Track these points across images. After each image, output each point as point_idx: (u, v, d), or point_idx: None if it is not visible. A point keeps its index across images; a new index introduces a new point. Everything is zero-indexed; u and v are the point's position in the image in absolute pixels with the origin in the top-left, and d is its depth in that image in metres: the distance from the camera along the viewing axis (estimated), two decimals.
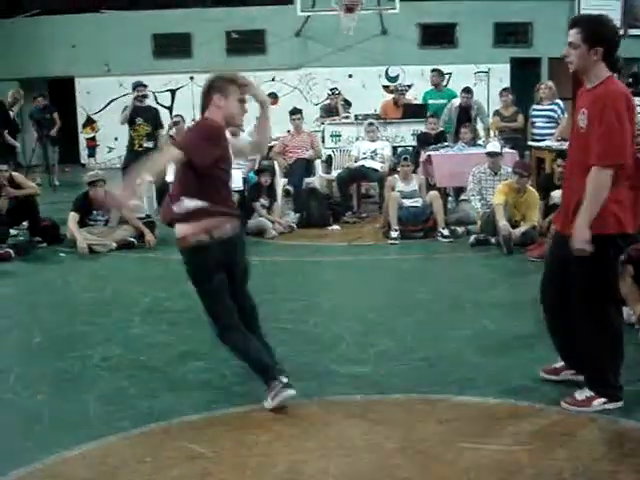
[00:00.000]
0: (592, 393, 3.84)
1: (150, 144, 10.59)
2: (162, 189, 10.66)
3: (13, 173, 8.89)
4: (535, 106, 10.30)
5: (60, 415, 3.94)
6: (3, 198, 8.44)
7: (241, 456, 3.43)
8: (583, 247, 3.61)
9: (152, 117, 10.77)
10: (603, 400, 3.81)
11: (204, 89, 4.12)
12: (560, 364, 4.19)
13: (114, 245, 8.29)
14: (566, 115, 9.68)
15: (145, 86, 11.06)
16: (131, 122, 10.62)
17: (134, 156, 10.56)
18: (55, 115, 14.60)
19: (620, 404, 3.84)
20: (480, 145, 9.59)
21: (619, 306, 4.03)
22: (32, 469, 3.35)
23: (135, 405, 4.02)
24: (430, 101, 11.66)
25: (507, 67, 18.27)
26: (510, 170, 8.21)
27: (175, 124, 11.69)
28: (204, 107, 4.06)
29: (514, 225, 7.85)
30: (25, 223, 8.77)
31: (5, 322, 5.53)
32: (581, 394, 3.87)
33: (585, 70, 3.70)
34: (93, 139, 19.10)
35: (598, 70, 3.66)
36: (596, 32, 3.64)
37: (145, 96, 10.84)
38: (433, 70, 12.28)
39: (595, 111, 3.60)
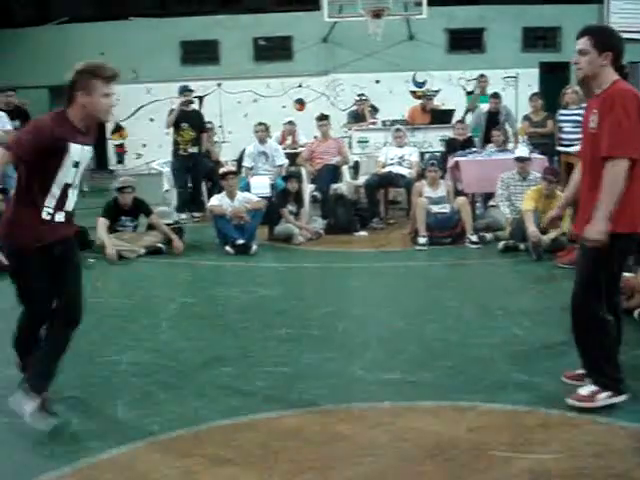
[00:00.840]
0: (596, 388, 3.88)
1: (195, 149, 10.67)
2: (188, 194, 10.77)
3: None
4: (562, 111, 10.20)
5: (89, 420, 3.96)
6: None
7: (269, 462, 3.42)
8: (598, 238, 3.65)
9: (197, 122, 10.81)
10: (606, 394, 3.86)
11: (69, 83, 3.86)
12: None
13: (143, 251, 8.35)
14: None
15: (192, 91, 11.13)
16: (176, 126, 10.66)
17: (180, 161, 10.66)
18: None
19: (624, 397, 3.89)
20: (508, 150, 9.52)
21: (614, 303, 4.01)
22: (61, 474, 3.36)
23: (164, 410, 4.03)
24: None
25: (536, 72, 18.16)
26: (539, 175, 8.15)
27: (209, 130, 11.78)
28: (69, 101, 3.82)
29: (543, 231, 7.77)
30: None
31: None
32: (585, 389, 3.92)
33: (595, 75, 3.79)
34: (121, 145, 19.27)
35: (607, 74, 3.76)
36: (605, 38, 3.78)
37: (191, 101, 10.88)
38: (481, 75, 12.15)
39: (605, 109, 3.69)
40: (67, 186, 3.83)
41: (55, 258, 3.89)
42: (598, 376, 3.91)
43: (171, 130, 10.82)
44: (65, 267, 3.98)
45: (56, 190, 3.80)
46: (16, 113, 9.99)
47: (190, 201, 10.80)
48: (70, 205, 3.91)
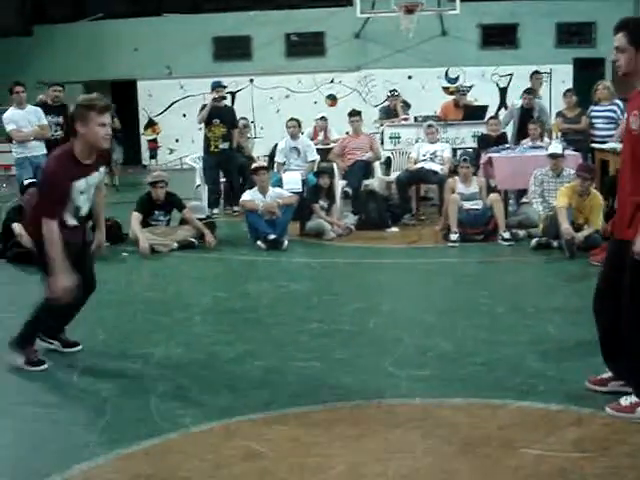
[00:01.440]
0: (637, 399, 3.79)
1: (226, 145, 10.70)
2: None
3: None
4: (594, 107, 10.11)
5: (122, 411, 4.01)
6: None
7: (300, 456, 3.44)
8: None
9: (229, 118, 10.85)
10: None
11: (69, 118, 4.47)
12: (608, 374, 4.10)
13: (175, 245, 8.42)
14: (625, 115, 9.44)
15: (224, 87, 11.14)
16: (208, 122, 10.72)
17: (211, 157, 10.71)
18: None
19: None
20: (542, 147, 9.44)
21: None
22: (95, 464, 3.41)
23: (196, 403, 4.07)
24: None
25: (570, 68, 17.97)
26: (573, 172, 8.07)
27: (244, 127, 11.83)
28: (70, 135, 4.39)
29: (577, 229, 7.70)
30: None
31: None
32: (626, 400, 3.82)
33: (635, 72, 3.68)
34: (154, 141, 19.41)
35: None
36: None
37: (224, 97, 10.91)
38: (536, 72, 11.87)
39: None
40: (78, 208, 4.49)
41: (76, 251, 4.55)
42: None
43: (203, 126, 10.86)
44: (83, 254, 4.71)
45: (69, 211, 4.44)
46: (61, 109, 10.08)
47: (229, 196, 10.84)
48: (84, 211, 4.59)
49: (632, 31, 3.64)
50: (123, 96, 19.09)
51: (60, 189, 4.30)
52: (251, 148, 12.28)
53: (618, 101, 9.87)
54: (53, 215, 4.26)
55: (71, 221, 4.48)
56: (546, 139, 10.03)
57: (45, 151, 9.37)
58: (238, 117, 11.45)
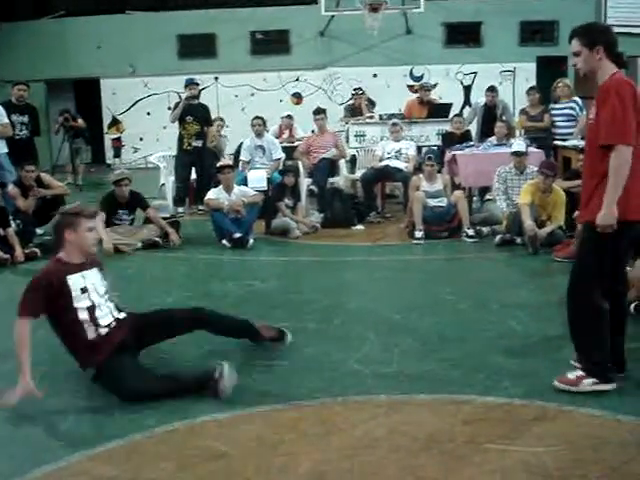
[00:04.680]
0: (583, 373, 3.99)
1: (199, 143, 10.63)
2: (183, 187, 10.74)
3: (41, 173, 8.97)
4: (553, 105, 10.22)
5: (85, 413, 3.97)
6: (31, 198, 8.51)
7: (265, 455, 3.43)
8: (608, 223, 3.76)
9: (202, 115, 10.77)
10: (593, 380, 3.96)
11: (55, 228, 4.49)
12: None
13: (139, 244, 8.34)
14: (585, 113, 9.55)
15: (197, 84, 11.04)
16: (181, 120, 10.63)
17: (184, 155, 10.63)
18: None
19: (611, 386, 3.98)
20: (505, 145, 9.52)
21: (618, 291, 4.12)
22: (57, 467, 3.37)
23: (160, 403, 4.01)
24: None
25: (533, 66, 18.13)
26: (536, 169, 8.15)
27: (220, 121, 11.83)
28: (58, 244, 4.35)
29: (540, 225, 7.78)
30: (51, 223, 8.83)
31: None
32: (572, 373, 4.03)
33: (593, 71, 3.94)
34: (118, 139, 19.22)
35: (605, 68, 3.89)
36: (592, 35, 3.92)
37: (196, 96, 10.80)
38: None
39: (601, 99, 3.83)
40: (92, 308, 4.25)
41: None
42: (586, 362, 4.01)
43: (176, 124, 10.76)
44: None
45: (84, 316, 4.22)
46: (26, 109, 9.93)
47: (196, 194, 10.77)
48: (108, 315, 4.34)
49: (583, 35, 3.93)
50: (86, 94, 18.90)
51: (49, 287, 4.14)
52: (224, 145, 12.21)
53: (576, 98, 10.00)
54: (26, 313, 4.07)
55: (104, 320, 4.29)
56: (512, 138, 10.11)
57: (6, 150, 9.24)
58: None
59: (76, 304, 4.21)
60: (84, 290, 4.26)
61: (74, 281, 4.24)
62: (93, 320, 4.24)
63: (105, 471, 3.33)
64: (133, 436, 3.64)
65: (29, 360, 4.01)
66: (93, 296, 4.29)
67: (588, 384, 3.96)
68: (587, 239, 3.99)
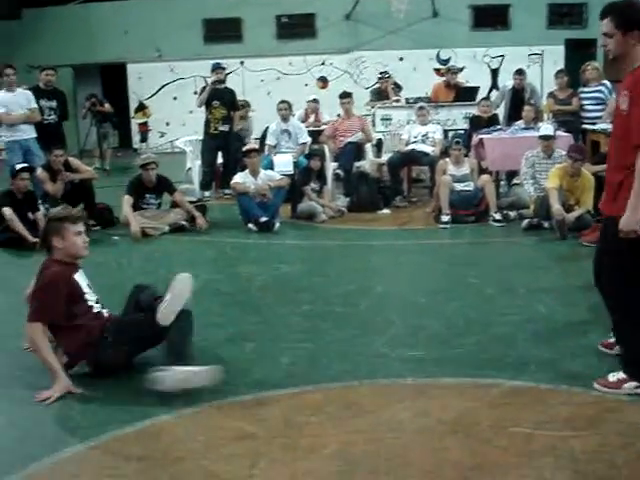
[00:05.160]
0: (624, 376, 3.84)
1: (226, 127, 10.65)
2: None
3: (69, 158, 9.04)
4: (582, 88, 10.11)
5: (115, 394, 4.01)
6: (59, 182, 8.59)
7: (291, 437, 3.46)
8: (632, 229, 3.57)
9: (229, 100, 10.79)
10: (635, 384, 3.81)
11: (42, 235, 4.42)
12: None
13: (167, 228, 8.40)
14: (614, 96, 9.43)
15: (224, 68, 11.06)
16: (208, 104, 10.66)
17: (210, 139, 10.67)
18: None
19: None
20: (533, 128, 9.43)
21: None
22: (88, 446, 3.42)
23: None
24: None
25: (561, 49, 17.91)
26: (564, 153, 8.07)
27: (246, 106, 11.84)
28: (48, 249, 4.30)
29: (568, 209, 7.71)
30: (80, 206, 8.91)
31: None
32: (614, 376, 3.87)
33: (624, 55, 3.69)
34: (145, 124, 19.29)
35: (636, 53, 3.64)
36: (628, 16, 3.63)
37: (222, 81, 10.83)
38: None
39: (636, 92, 3.57)
40: (95, 302, 4.37)
41: None
42: (630, 368, 3.84)
43: (202, 109, 10.79)
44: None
45: (95, 309, 4.35)
46: (54, 93, 9.99)
47: (222, 178, 10.80)
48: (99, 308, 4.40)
49: (618, 15, 3.64)
50: (113, 79, 18.99)
51: (61, 285, 4.15)
52: (251, 129, 12.24)
53: (606, 81, 9.87)
54: (40, 318, 4.08)
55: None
56: (540, 122, 10.01)
57: (35, 135, 9.32)
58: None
59: (88, 299, 4.30)
60: (89, 286, 4.36)
61: (79, 279, 4.31)
62: (96, 313, 4.34)
63: (134, 451, 3.38)
64: (161, 417, 3.69)
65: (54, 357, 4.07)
66: (91, 291, 4.40)
67: (629, 387, 3.80)
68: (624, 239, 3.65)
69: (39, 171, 8.57)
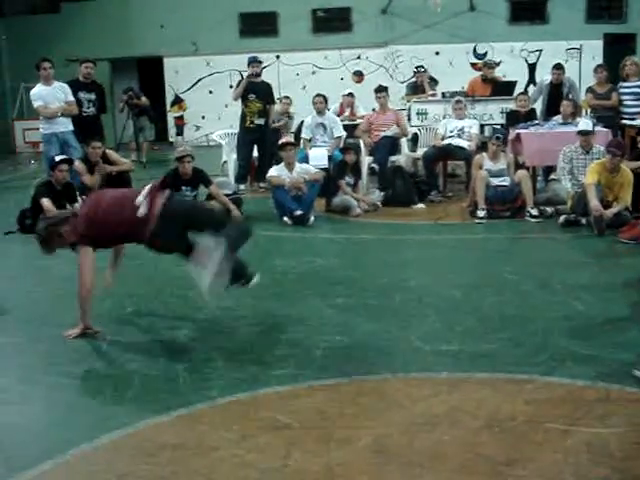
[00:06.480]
0: None
1: (261, 121, 10.68)
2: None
3: (107, 150, 9.13)
4: (622, 84, 9.97)
5: (151, 383, 4.05)
6: (97, 174, 8.68)
7: (326, 428, 3.46)
8: None
9: (265, 93, 10.81)
10: None
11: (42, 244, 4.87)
12: None
13: None
14: None
15: (260, 62, 11.07)
16: (243, 98, 10.70)
17: (246, 133, 10.71)
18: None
19: None
20: (571, 123, 9.32)
21: None
22: (124, 434, 3.46)
23: (222, 375, 4.10)
24: None
25: (600, 43, 17.69)
26: (603, 149, 7.97)
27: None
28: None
29: (606, 206, 7.61)
30: None
31: (98, 293, 5.72)
32: None
33: None
34: (181, 118, 19.42)
35: None
36: None
37: (259, 74, 10.85)
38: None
39: None
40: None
41: None
42: None
43: (238, 102, 10.82)
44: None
45: None
46: (93, 86, 10.08)
47: (257, 172, 10.83)
48: None
49: None
50: (150, 73, 19.15)
51: None
52: (291, 124, 12.27)
53: None
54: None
55: None
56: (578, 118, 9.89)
57: (72, 127, 9.42)
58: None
59: None
60: None
61: None
62: None
63: (169, 439, 3.41)
64: (197, 406, 3.72)
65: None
66: None
67: None
68: None
69: (77, 163, 8.67)
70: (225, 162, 11.21)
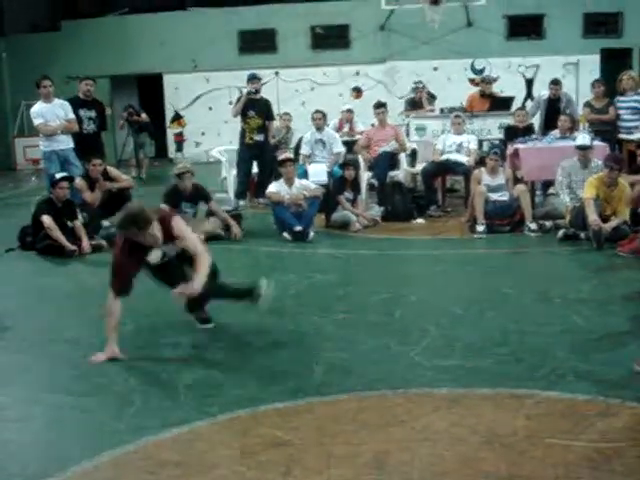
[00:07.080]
0: None
1: (261, 137, 10.70)
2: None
3: (108, 167, 9.15)
4: (619, 98, 10.01)
5: (151, 399, 4.05)
6: (97, 191, 8.70)
7: (326, 445, 3.46)
8: None
9: (264, 109, 10.84)
10: None
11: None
12: None
13: (202, 237, 8.42)
14: None
15: (259, 79, 11.11)
16: (243, 114, 10.73)
17: (246, 149, 10.74)
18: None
19: None
20: (569, 138, 9.36)
21: None
22: (124, 451, 3.45)
23: (223, 392, 4.10)
24: None
25: (597, 58, 17.77)
26: (601, 163, 8.00)
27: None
28: None
29: (605, 220, 7.63)
30: (117, 215, 8.99)
31: (98, 309, 5.71)
32: None
33: None
34: (180, 134, 19.48)
35: None
36: None
37: (258, 91, 10.90)
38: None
39: None
40: None
41: None
42: None
43: (238, 119, 10.85)
44: None
45: None
46: (93, 104, 10.08)
47: (257, 187, 10.84)
48: None
49: None
50: (149, 90, 19.23)
51: None
52: (290, 139, 12.32)
53: None
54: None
55: None
56: (576, 132, 9.92)
57: (72, 145, 9.44)
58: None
59: None
60: None
61: None
62: None
63: (170, 456, 3.40)
64: (197, 423, 3.71)
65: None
66: None
67: None
68: None
69: (77, 180, 8.69)
70: (225, 178, 11.24)
